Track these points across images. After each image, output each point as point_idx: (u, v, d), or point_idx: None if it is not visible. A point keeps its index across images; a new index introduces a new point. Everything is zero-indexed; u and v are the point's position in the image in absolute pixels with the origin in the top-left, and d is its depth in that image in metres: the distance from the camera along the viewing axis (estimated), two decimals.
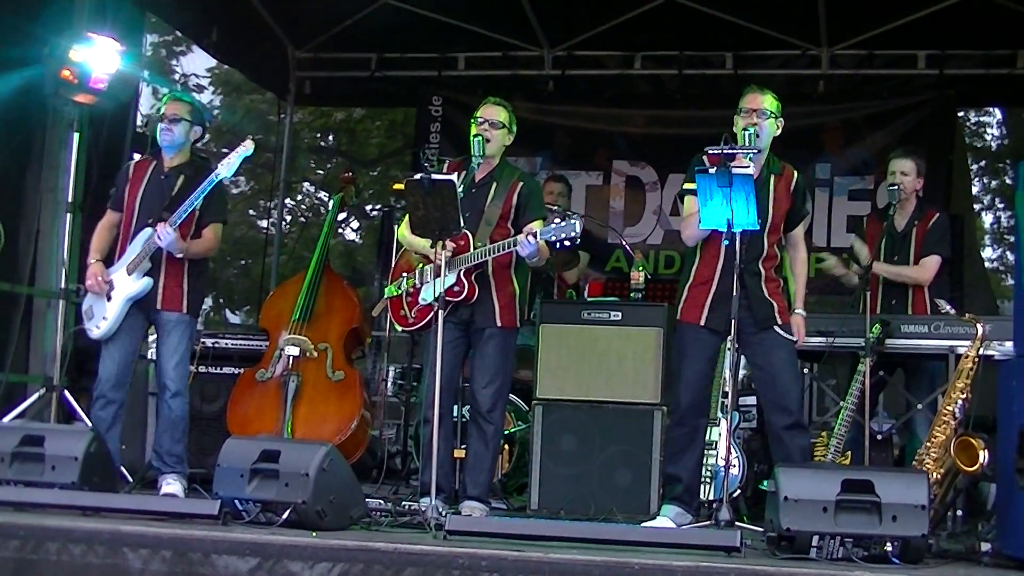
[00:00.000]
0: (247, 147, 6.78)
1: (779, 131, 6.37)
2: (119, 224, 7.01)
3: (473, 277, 6.57)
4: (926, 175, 7.65)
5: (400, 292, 6.85)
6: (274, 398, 7.35)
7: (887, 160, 7.76)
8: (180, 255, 6.80)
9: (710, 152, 6.02)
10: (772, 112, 6.31)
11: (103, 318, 6.84)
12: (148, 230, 6.78)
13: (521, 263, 6.73)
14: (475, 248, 6.56)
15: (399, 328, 7.02)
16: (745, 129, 6.14)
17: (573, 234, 6.35)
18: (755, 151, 6.07)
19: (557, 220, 6.53)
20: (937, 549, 5.49)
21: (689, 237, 6.46)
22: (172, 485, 6.76)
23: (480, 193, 6.71)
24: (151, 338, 7.29)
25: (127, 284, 6.81)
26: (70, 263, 8.12)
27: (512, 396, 7.90)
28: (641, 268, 7.65)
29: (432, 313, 6.49)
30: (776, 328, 6.28)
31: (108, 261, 7.00)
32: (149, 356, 7.56)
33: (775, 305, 6.30)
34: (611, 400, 7.12)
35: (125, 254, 6.88)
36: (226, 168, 6.78)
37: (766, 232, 6.28)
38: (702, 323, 6.28)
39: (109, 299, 6.84)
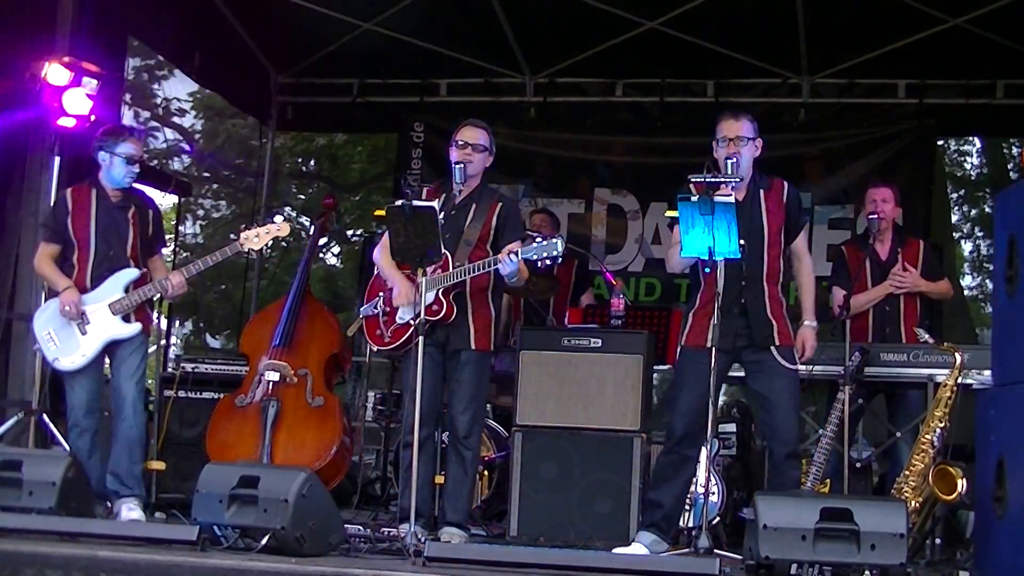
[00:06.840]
0: (281, 228, 7.15)
1: (759, 151, 6.33)
2: (59, 255, 6.97)
3: (451, 297, 6.55)
4: (907, 204, 7.69)
5: (376, 312, 6.83)
6: (254, 423, 7.30)
7: (865, 190, 7.78)
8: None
9: (693, 180, 5.98)
10: (749, 137, 6.27)
11: (82, 355, 6.82)
12: (156, 280, 6.92)
13: (498, 287, 6.73)
14: (454, 268, 6.53)
15: (375, 347, 6.98)
16: (728, 158, 6.09)
17: (555, 253, 6.32)
18: (738, 179, 6.05)
19: (539, 239, 6.45)
20: None
21: (672, 265, 6.51)
22: (134, 511, 6.71)
23: (460, 214, 6.68)
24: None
25: (111, 325, 6.84)
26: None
27: (492, 422, 7.91)
28: (623, 295, 7.65)
29: (408, 333, 6.49)
30: (773, 350, 6.23)
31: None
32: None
33: (775, 325, 6.25)
34: (591, 427, 7.09)
35: (99, 290, 6.86)
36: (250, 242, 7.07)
37: (765, 247, 6.26)
38: (708, 344, 6.03)
39: (84, 332, 6.82)
